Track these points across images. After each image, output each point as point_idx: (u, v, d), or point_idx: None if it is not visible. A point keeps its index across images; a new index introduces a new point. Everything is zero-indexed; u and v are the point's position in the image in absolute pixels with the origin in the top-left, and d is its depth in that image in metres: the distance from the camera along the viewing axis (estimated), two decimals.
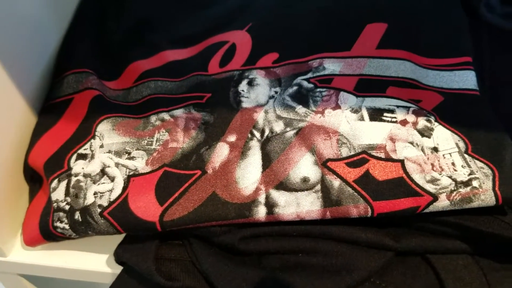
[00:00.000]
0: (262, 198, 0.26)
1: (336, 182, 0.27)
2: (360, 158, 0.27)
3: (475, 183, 0.25)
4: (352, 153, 0.27)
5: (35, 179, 0.32)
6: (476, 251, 0.27)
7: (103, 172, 0.29)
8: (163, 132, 0.30)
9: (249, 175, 0.27)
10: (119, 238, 0.29)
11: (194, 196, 0.27)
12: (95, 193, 0.28)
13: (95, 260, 0.31)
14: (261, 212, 0.26)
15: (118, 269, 0.29)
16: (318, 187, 0.27)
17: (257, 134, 0.29)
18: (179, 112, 0.31)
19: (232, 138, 0.29)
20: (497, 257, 0.27)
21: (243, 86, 0.32)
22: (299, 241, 0.27)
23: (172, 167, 0.28)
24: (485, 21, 0.35)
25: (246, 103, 0.31)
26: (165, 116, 0.31)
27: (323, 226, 0.27)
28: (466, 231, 0.27)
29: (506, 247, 0.27)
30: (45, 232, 0.29)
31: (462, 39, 0.33)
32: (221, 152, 0.28)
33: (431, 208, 0.26)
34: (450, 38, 0.33)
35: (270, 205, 0.26)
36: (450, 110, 0.29)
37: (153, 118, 0.31)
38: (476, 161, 0.27)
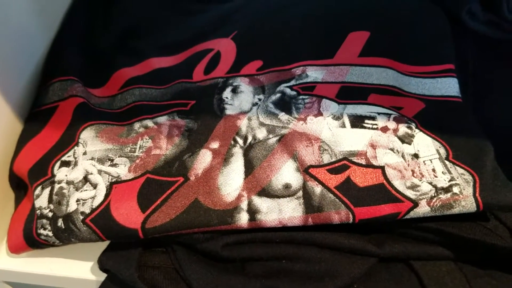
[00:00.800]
0: (244, 204, 0.27)
1: (317, 189, 0.27)
2: (341, 165, 0.27)
3: (455, 189, 0.26)
4: (334, 159, 0.28)
5: (20, 186, 0.32)
6: (459, 257, 0.27)
7: (85, 179, 0.29)
8: (146, 139, 0.30)
9: (231, 181, 0.27)
10: (104, 245, 0.29)
11: (176, 203, 0.27)
12: (77, 200, 0.28)
13: (80, 267, 0.31)
14: (243, 219, 0.26)
15: (103, 276, 0.29)
16: (300, 193, 0.27)
17: (240, 141, 0.29)
18: (163, 119, 0.31)
19: (215, 145, 0.29)
20: (480, 263, 0.27)
21: (227, 93, 0.32)
22: (282, 248, 0.27)
23: (154, 174, 0.28)
24: (468, 28, 0.36)
25: (229, 110, 0.31)
26: (149, 123, 0.31)
27: (306, 233, 0.27)
28: (449, 237, 0.27)
29: (489, 253, 0.27)
30: (29, 239, 0.29)
31: (444, 46, 0.33)
32: (204, 159, 0.28)
33: (412, 214, 0.26)
34: (432, 45, 0.33)
35: (253, 211, 0.26)
36: (432, 117, 0.29)
37: (136, 125, 0.31)
38: (456, 167, 0.27)
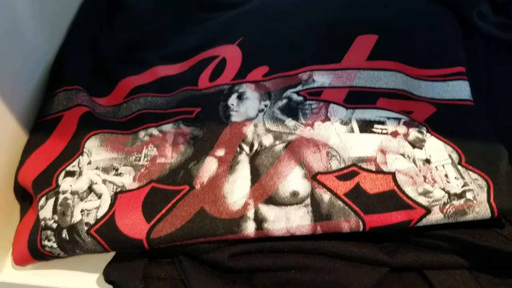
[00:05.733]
0: (251, 213, 0.26)
1: (326, 196, 0.26)
2: (350, 171, 0.27)
3: (469, 195, 0.25)
4: (342, 165, 0.27)
5: (25, 197, 0.32)
6: (474, 266, 0.26)
7: (90, 189, 0.28)
8: (151, 147, 0.30)
9: (237, 189, 0.27)
10: (110, 257, 0.29)
11: (181, 212, 0.26)
12: (82, 211, 0.27)
13: (86, 279, 0.30)
14: (250, 228, 0.26)
15: None
16: (308, 201, 0.26)
17: (246, 148, 0.29)
18: (168, 127, 0.31)
19: (220, 152, 0.29)
20: (496, 272, 0.26)
21: (232, 100, 0.32)
22: (291, 258, 0.26)
23: (159, 183, 0.28)
24: (479, 30, 0.35)
25: (235, 117, 0.31)
26: (154, 131, 0.31)
27: (315, 242, 0.26)
28: (463, 245, 0.26)
29: (504, 261, 0.26)
30: (33, 251, 0.28)
31: (455, 49, 0.32)
32: (209, 167, 0.28)
33: (425, 222, 0.25)
34: (442, 48, 0.32)
35: (259, 220, 0.26)
36: (443, 121, 0.29)
37: (141, 134, 0.31)
38: (470, 172, 0.26)
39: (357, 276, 0.26)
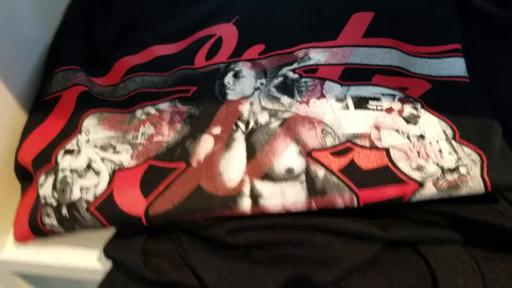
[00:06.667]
0: (247, 189, 0.26)
1: (321, 172, 0.26)
2: (345, 147, 0.27)
3: (462, 170, 0.25)
4: (337, 142, 0.27)
5: (26, 176, 0.32)
6: (468, 241, 0.26)
7: (89, 167, 0.29)
8: (148, 126, 0.30)
9: (233, 166, 0.27)
10: (110, 234, 0.29)
11: (178, 189, 0.27)
12: (81, 188, 0.28)
13: (86, 257, 0.31)
14: (246, 204, 0.26)
15: (109, 266, 0.29)
16: (303, 177, 0.26)
17: (242, 126, 0.29)
18: (164, 105, 0.31)
19: (217, 130, 0.29)
20: (490, 246, 0.27)
21: (228, 78, 0.32)
22: (287, 233, 0.27)
23: (157, 161, 0.28)
24: (477, 9, 0.35)
25: (231, 95, 0.31)
26: (151, 110, 0.31)
27: (311, 218, 0.27)
28: (458, 221, 0.26)
29: (498, 236, 0.26)
30: (34, 227, 0.29)
31: (450, 26, 0.32)
32: (205, 144, 0.28)
33: (418, 197, 0.25)
34: (438, 25, 0.32)
35: (255, 196, 0.26)
36: (438, 97, 0.29)
37: (138, 112, 0.31)
38: (463, 147, 0.26)
39: (352, 251, 0.26)
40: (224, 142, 0.28)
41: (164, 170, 0.28)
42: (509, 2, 0.35)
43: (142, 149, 0.29)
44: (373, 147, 0.27)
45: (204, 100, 0.31)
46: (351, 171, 0.26)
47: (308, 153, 0.27)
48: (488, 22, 0.35)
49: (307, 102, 0.29)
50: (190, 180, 0.27)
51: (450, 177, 0.25)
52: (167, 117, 0.30)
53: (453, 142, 0.26)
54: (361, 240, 0.27)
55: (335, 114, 0.28)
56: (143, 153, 0.29)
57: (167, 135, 0.29)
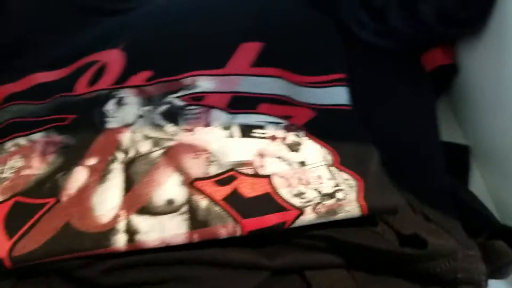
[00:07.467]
0: (121, 225, 0.24)
1: (203, 202, 0.25)
2: (228, 176, 0.26)
3: (339, 195, 0.25)
4: (221, 171, 0.26)
5: None
6: (351, 265, 0.27)
7: None
8: (17, 158, 0.28)
9: (107, 200, 0.25)
10: None
11: (45, 227, 0.24)
12: None
13: None
14: (120, 241, 0.24)
15: None
16: (184, 208, 0.25)
17: (121, 156, 0.27)
18: (38, 136, 0.29)
19: (92, 161, 0.27)
20: (373, 269, 0.27)
21: (110, 105, 0.30)
22: (169, 270, 0.25)
23: (24, 197, 0.26)
24: (360, 38, 0.37)
25: (112, 124, 0.29)
26: (21, 141, 0.29)
27: (194, 251, 0.25)
28: (338, 244, 0.26)
29: (379, 258, 0.27)
30: None
31: (335, 56, 0.34)
32: (77, 177, 0.26)
33: (299, 222, 0.25)
34: (323, 56, 0.33)
35: (131, 232, 0.24)
36: (321, 124, 0.29)
37: (8, 145, 0.28)
38: (342, 173, 0.27)
39: (235, 282, 0.25)
40: (99, 174, 0.26)
41: (31, 207, 0.25)
42: (387, 32, 0.37)
43: (9, 183, 0.26)
44: (256, 175, 0.26)
45: (81, 129, 0.29)
46: (235, 200, 0.25)
47: (191, 183, 0.26)
48: (368, 51, 0.37)
49: (192, 130, 0.28)
50: (59, 216, 0.25)
51: (328, 202, 0.25)
52: (39, 148, 0.28)
53: (332, 168, 0.27)
54: (247, 270, 0.26)
55: (220, 142, 0.28)
56: (9, 188, 0.26)
57: (38, 168, 0.27)
